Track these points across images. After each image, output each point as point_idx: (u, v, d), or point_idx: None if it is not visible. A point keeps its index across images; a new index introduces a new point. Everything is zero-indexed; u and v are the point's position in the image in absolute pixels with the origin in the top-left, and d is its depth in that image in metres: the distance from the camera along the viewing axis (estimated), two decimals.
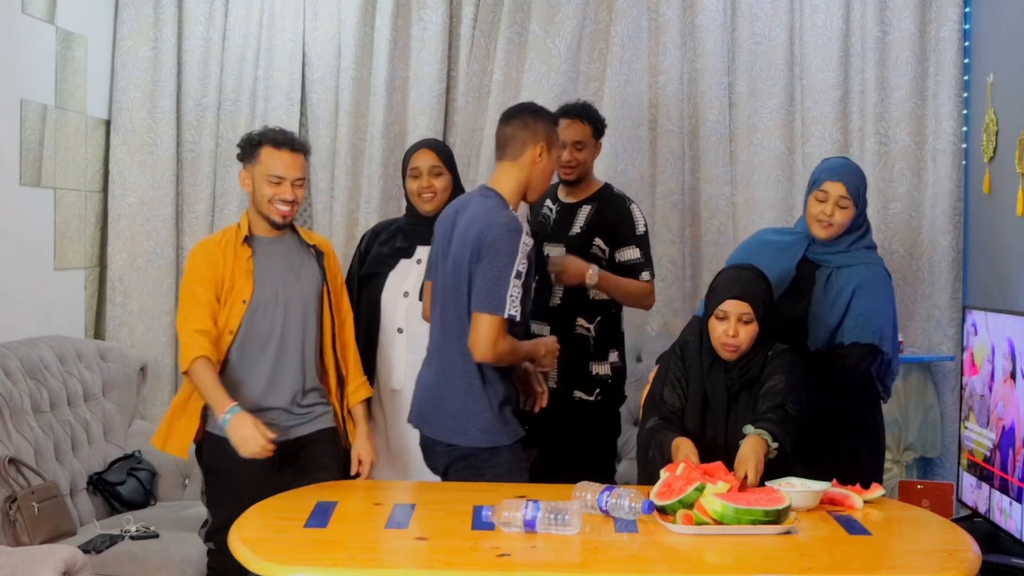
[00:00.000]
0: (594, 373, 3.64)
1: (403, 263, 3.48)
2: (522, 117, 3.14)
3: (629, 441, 4.35)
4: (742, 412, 2.97)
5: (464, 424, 3.03)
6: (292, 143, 3.17)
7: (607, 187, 3.76)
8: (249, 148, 3.16)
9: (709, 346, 3.02)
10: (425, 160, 3.46)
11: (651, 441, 3.01)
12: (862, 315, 3.20)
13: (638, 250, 3.65)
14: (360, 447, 3.24)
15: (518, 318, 2.95)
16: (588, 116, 3.68)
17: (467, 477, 3.05)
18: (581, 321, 3.64)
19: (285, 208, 3.14)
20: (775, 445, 2.83)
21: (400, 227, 3.57)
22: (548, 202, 3.77)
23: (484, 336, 2.93)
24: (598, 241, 3.63)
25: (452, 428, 3.04)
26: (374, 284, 3.49)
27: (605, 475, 3.57)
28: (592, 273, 3.54)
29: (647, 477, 3.03)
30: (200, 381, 3.05)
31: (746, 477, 2.73)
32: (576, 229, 3.66)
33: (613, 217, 3.66)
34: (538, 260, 3.52)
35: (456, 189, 3.48)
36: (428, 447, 3.18)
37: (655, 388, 3.16)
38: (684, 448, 2.87)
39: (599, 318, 3.65)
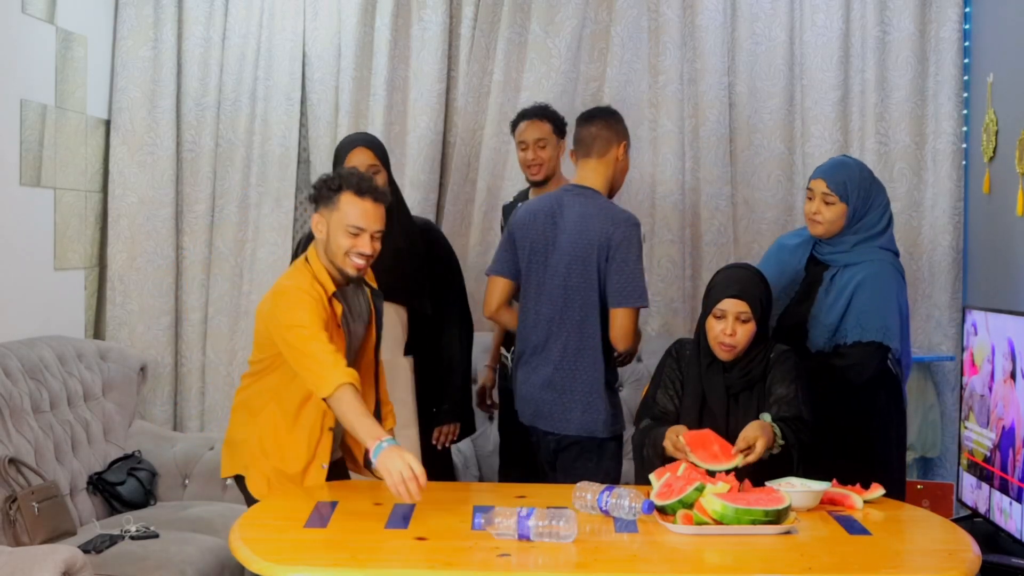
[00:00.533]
0: None
1: None
2: (604, 117, 3.34)
3: (629, 441, 4.38)
4: (742, 412, 2.97)
5: (591, 417, 3.22)
6: (375, 193, 2.92)
7: None
8: (327, 192, 2.93)
9: (707, 346, 3.01)
10: (362, 158, 3.36)
11: (644, 440, 3.01)
12: (864, 313, 3.17)
13: None
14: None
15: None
16: (546, 115, 3.86)
17: (580, 467, 3.19)
18: None
19: (361, 262, 2.91)
20: (781, 442, 2.85)
21: None
22: (520, 205, 3.77)
23: (629, 328, 3.21)
24: None
25: (577, 422, 3.21)
26: None
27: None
28: None
29: (644, 477, 3.03)
30: (350, 407, 2.75)
31: (746, 453, 2.77)
32: None
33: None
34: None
35: (391, 187, 3.39)
36: (535, 443, 3.34)
37: (650, 390, 3.17)
38: (674, 428, 2.90)
39: None
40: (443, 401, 3.58)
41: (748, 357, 2.99)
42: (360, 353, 3.10)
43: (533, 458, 3.41)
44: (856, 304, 3.19)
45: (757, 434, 2.81)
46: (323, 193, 2.94)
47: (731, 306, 2.94)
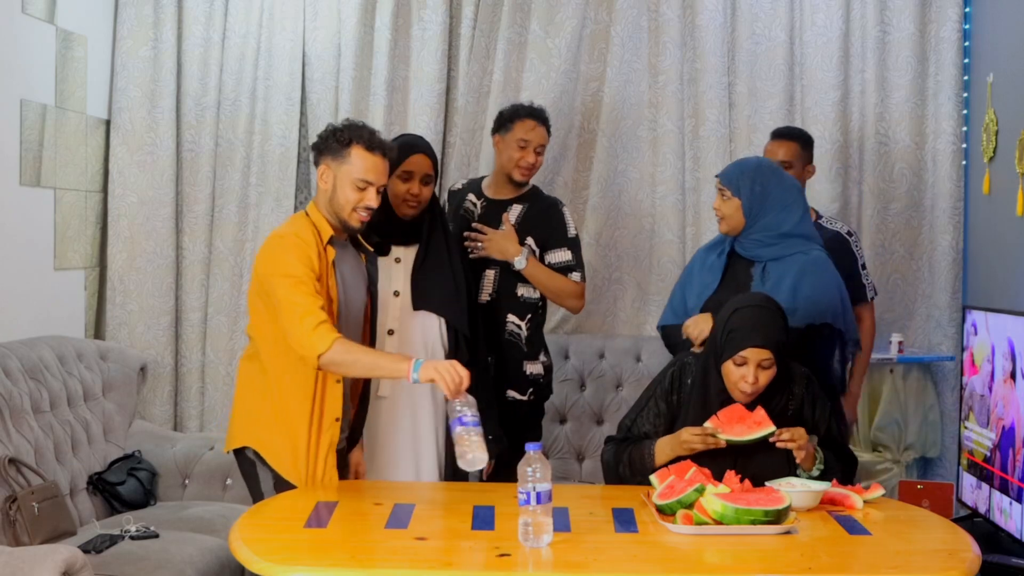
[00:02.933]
0: (528, 372, 3.66)
1: (382, 261, 3.34)
2: None
3: (593, 440, 4.42)
4: (764, 450, 2.84)
5: None
6: (384, 148, 2.93)
7: (536, 188, 3.80)
8: (335, 144, 2.90)
9: (720, 386, 2.89)
10: (421, 166, 3.32)
11: (619, 458, 2.97)
12: (809, 299, 3.16)
13: (569, 252, 3.69)
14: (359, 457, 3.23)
15: None
16: (547, 121, 3.74)
17: None
18: (512, 318, 3.66)
19: (366, 215, 2.92)
20: (821, 467, 2.87)
21: (372, 224, 3.29)
22: (471, 196, 3.77)
23: None
24: (529, 241, 3.66)
25: None
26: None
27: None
28: (521, 257, 3.58)
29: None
30: (357, 357, 2.76)
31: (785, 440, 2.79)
32: (506, 227, 3.67)
33: (544, 219, 3.69)
34: (462, 255, 3.55)
35: (434, 199, 3.41)
36: None
37: (627, 417, 3.07)
38: (688, 429, 2.85)
39: (529, 315, 3.68)
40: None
41: (769, 397, 2.87)
42: (364, 324, 3.09)
43: None
44: (803, 291, 3.15)
45: (805, 436, 2.81)
46: (330, 145, 2.91)
47: (753, 355, 2.80)
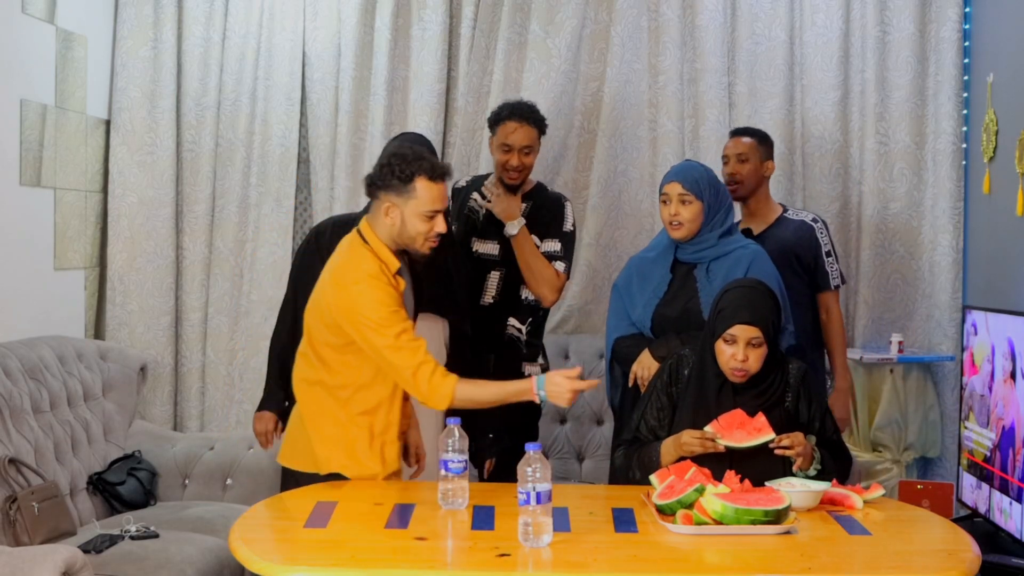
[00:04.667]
0: (526, 374, 3.66)
1: None
2: None
3: (593, 439, 4.43)
4: (763, 455, 2.83)
5: None
6: (446, 173, 2.94)
7: (541, 186, 3.80)
8: (398, 183, 2.88)
9: (716, 368, 2.92)
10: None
11: (631, 463, 2.97)
12: None
13: (559, 244, 3.69)
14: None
15: None
16: (535, 119, 3.65)
17: None
18: (513, 321, 3.67)
19: (435, 242, 2.94)
20: (818, 467, 2.87)
21: None
22: (475, 195, 3.76)
23: None
24: (533, 238, 3.66)
25: None
26: None
27: None
28: (516, 223, 3.59)
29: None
30: (481, 397, 2.87)
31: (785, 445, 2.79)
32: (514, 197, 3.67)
33: (546, 211, 3.69)
34: (468, 256, 3.55)
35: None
36: None
37: (634, 412, 3.09)
38: (689, 432, 2.85)
39: (530, 319, 3.69)
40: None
41: (764, 381, 2.91)
42: None
43: None
44: None
45: (803, 442, 2.82)
46: (391, 182, 2.89)
47: (742, 332, 2.84)
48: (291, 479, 3.03)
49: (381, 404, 2.94)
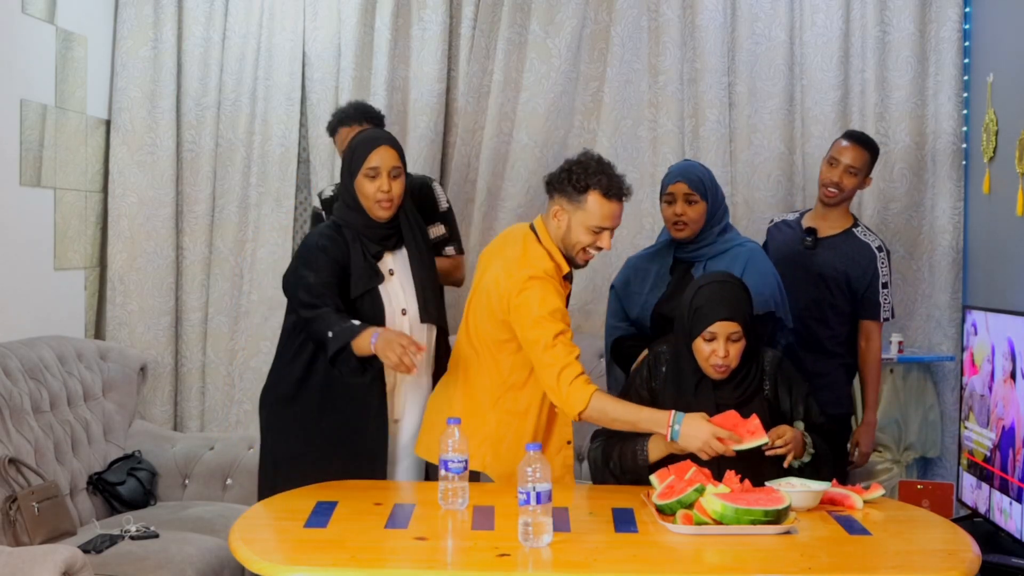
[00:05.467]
0: None
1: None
2: None
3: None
4: (756, 457, 2.83)
5: None
6: (622, 193, 2.93)
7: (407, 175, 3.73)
8: (572, 190, 2.90)
9: (694, 364, 2.92)
10: (388, 159, 3.03)
11: (609, 456, 2.96)
12: (754, 289, 3.13)
13: (443, 226, 3.69)
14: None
15: None
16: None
17: None
18: None
19: (593, 256, 3.00)
20: (812, 451, 2.88)
21: (358, 233, 3.09)
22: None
23: None
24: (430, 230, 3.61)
25: None
26: (370, 301, 3.07)
27: None
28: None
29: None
30: (614, 416, 2.84)
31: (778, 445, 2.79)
32: None
33: (418, 200, 3.46)
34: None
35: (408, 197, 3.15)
36: None
37: None
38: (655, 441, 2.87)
39: None
40: None
41: (740, 374, 2.92)
42: None
43: None
44: (747, 280, 3.13)
45: (792, 434, 2.83)
46: (566, 188, 2.92)
47: (722, 328, 2.84)
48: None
49: (531, 408, 2.98)
